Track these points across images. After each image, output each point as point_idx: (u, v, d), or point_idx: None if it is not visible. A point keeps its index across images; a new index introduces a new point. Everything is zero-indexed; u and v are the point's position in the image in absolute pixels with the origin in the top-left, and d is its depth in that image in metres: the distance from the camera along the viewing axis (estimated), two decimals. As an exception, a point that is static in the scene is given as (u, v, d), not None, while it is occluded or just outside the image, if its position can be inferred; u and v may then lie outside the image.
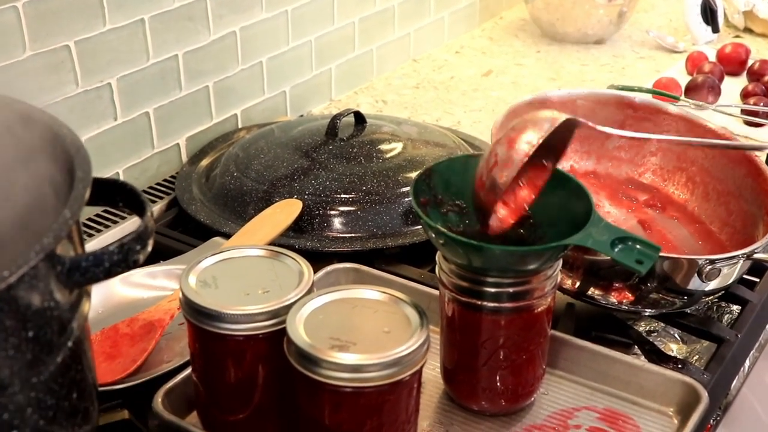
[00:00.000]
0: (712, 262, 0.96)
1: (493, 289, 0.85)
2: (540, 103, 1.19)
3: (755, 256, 0.99)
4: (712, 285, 1.00)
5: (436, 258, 0.89)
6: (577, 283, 1.02)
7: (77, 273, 0.61)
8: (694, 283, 0.98)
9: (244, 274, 0.85)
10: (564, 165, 1.22)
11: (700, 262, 0.96)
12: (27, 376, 0.58)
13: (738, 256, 0.98)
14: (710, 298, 1.07)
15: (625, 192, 1.20)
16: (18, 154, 0.70)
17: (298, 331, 0.77)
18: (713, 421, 0.94)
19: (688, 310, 1.07)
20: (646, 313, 1.05)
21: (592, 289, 1.02)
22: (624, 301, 1.02)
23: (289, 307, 0.80)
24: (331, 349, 0.75)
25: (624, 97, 1.24)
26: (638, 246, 0.81)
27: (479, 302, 0.86)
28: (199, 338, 0.83)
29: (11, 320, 0.56)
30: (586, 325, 1.04)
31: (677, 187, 1.20)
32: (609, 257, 0.81)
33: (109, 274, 0.63)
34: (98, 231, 1.23)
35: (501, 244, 0.86)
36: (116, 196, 0.71)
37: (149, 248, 0.65)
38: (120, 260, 0.63)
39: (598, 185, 1.22)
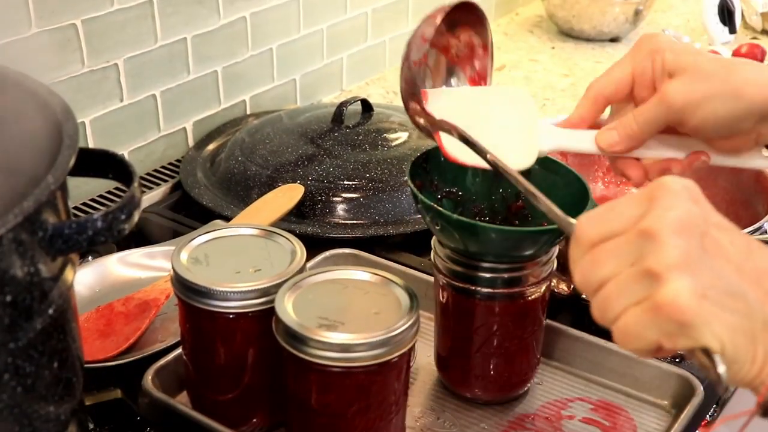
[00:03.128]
0: None
1: (488, 275, 0.84)
2: None
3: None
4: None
5: (432, 243, 0.88)
6: (572, 286, 1.01)
7: (60, 240, 0.60)
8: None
9: (237, 253, 0.84)
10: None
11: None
12: (4, 340, 0.58)
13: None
14: None
15: None
16: (7, 122, 0.69)
17: (287, 309, 0.76)
18: (709, 417, 0.93)
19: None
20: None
21: None
22: None
23: (279, 285, 0.79)
24: (319, 328, 0.74)
25: None
26: (634, 234, 0.80)
27: (474, 287, 0.85)
28: (190, 316, 0.83)
29: (-12, 282, 0.55)
30: (587, 318, 1.03)
31: None
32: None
33: (93, 242, 0.62)
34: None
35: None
36: (105, 166, 0.70)
37: (135, 218, 0.64)
38: (104, 229, 0.62)
39: None
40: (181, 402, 0.87)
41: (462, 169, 0.92)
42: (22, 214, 0.55)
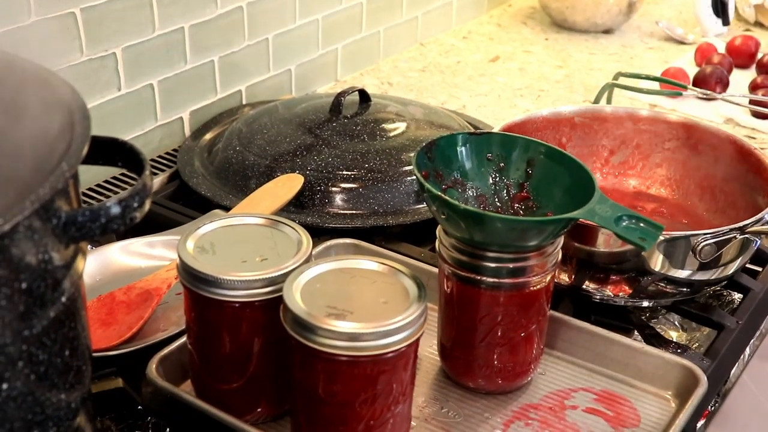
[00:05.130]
0: (706, 237, 0.95)
1: (493, 264, 0.84)
2: (534, 122, 1.18)
3: (750, 230, 0.97)
4: (712, 274, 1.00)
5: (437, 232, 0.88)
6: (572, 277, 1.02)
7: (73, 228, 0.60)
8: (692, 269, 0.98)
9: (243, 242, 0.84)
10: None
11: (694, 238, 0.96)
12: (19, 329, 0.57)
13: (731, 230, 0.97)
14: (711, 288, 1.06)
15: (632, 204, 1.19)
16: (17, 111, 0.69)
17: (295, 298, 0.76)
18: (711, 407, 0.93)
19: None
20: (644, 305, 1.04)
21: (587, 282, 1.01)
22: (621, 294, 1.01)
23: (286, 275, 0.79)
24: (327, 317, 0.74)
25: (623, 110, 1.22)
26: (642, 224, 0.80)
27: (479, 277, 0.85)
28: (195, 304, 0.83)
29: (4, 270, 0.55)
30: (587, 308, 1.04)
31: (686, 196, 1.19)
32: (612, 232, 0.81)
33: (105, 230, 0.62)
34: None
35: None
36: (115, 154, 0.70)
37: (147, 207, 0.64)
38: (117, 216, 0.62)
39: None
40: (185, 391, 0.87)
41: (467, 159, 0.92)
42: (39, 201, 0.55)
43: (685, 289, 1.02)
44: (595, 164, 1.22)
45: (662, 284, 1.00)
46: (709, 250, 0.95)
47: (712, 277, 1.01)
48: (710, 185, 1.17)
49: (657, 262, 0.97)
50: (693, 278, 1.00)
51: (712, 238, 0.95)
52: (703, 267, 0.98)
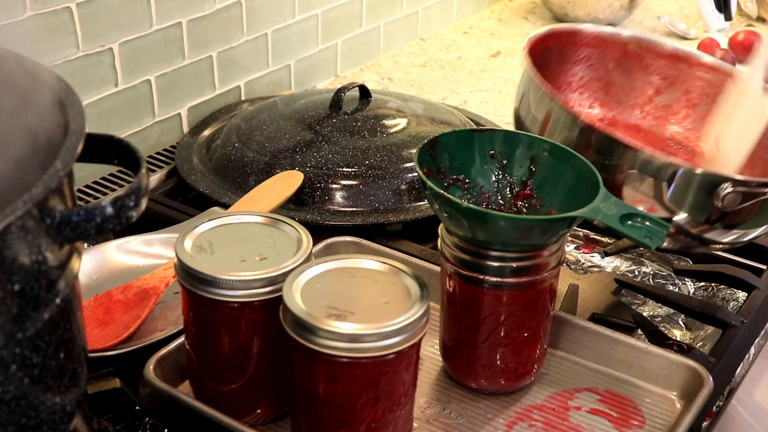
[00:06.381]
0: (733, 182, 0.90)
1: (496, 263, 0.83)
2: (584, 36, 1.11)
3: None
4: (729, 234, 0.96)
5: (439, 230, 0.87)
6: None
7: (68, 228, 0.59)
8: (712, 216, 0.93)
9: (242, 241, 0.83)
10: (607, 114, 1.14)
11: (721, 181, 0.90)
12: (12, 331, 0.56)
13: (760, 184, 0.91)
14: (719, 246, 1.01)
15: (664, 150, 1.12)
16: (12, 107, 0.68)
17: (295, 298, 0.75)
18: (716, 407, 0.92)
19: (692, 295, 1.05)
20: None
21: None
22: None
23: (286, 274, 0.78)
24: (328, 317, 0.73)
25: (683, 51, 1.15)
26: (647, 222, 0.79)
27: (481, 276, 0.84)
28: (193, 304, 0.81)
29: (-3, 271, 0.54)
30: (588, 306, 1.02)
31: None
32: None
33: (101, 230, 0.60)
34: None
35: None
36: (111, 152, 0.69)
37: (143, 206, 0.63)
38: (112, 216, 0.61)
39: (640, 139, 1.12)
40: (183, 392, 0.86)
41: (469, 156, 0.91)
42: (32, 201, 0.54)
43: (697, 241, 0.97)
44: (636, 100, 1.16)
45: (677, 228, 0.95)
46: (733, 198, 0.90)
47: (727, 239, 0.97)
48: (753, 150, 1.06)
49: (677, 198, 0.92)
50: (709, 232, 0.95)
51: (739, 185, 0.90)
52: (722, 219, 0.93)
